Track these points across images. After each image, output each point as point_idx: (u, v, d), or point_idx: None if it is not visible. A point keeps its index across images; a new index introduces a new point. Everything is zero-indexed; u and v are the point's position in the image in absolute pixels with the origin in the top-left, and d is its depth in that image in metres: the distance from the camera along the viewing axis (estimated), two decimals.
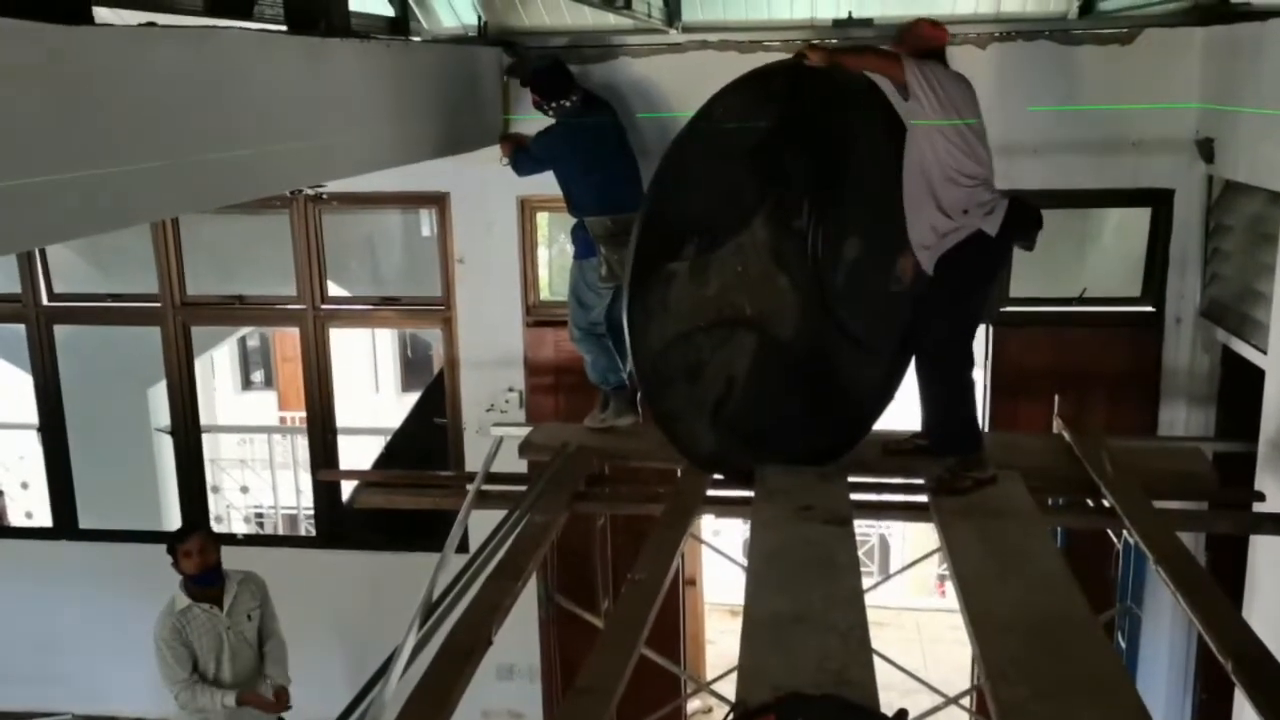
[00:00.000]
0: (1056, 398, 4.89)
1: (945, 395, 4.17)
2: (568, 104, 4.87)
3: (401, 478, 5.25)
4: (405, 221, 7.32)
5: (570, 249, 5.12)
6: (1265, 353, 4.54)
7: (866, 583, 5.16)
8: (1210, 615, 3.11)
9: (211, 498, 8.03)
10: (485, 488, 4.46)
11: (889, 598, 8.87)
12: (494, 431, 5.02)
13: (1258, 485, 4.48)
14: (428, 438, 6.64)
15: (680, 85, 5.45)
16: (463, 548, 4.58)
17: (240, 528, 10.70)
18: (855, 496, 4.27)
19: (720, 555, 5.65)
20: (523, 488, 4.38)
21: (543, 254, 6.24)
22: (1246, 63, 4.54)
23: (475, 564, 3.87)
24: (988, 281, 4.22)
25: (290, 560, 6.38)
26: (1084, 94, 5.11)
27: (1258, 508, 4.34)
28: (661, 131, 5.41)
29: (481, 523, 4.39)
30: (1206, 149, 5.07)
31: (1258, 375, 4.59)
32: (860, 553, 12.13)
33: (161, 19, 2.73)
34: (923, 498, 4.17)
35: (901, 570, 6.93)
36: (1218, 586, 3.32)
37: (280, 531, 10.46)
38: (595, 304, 4.96)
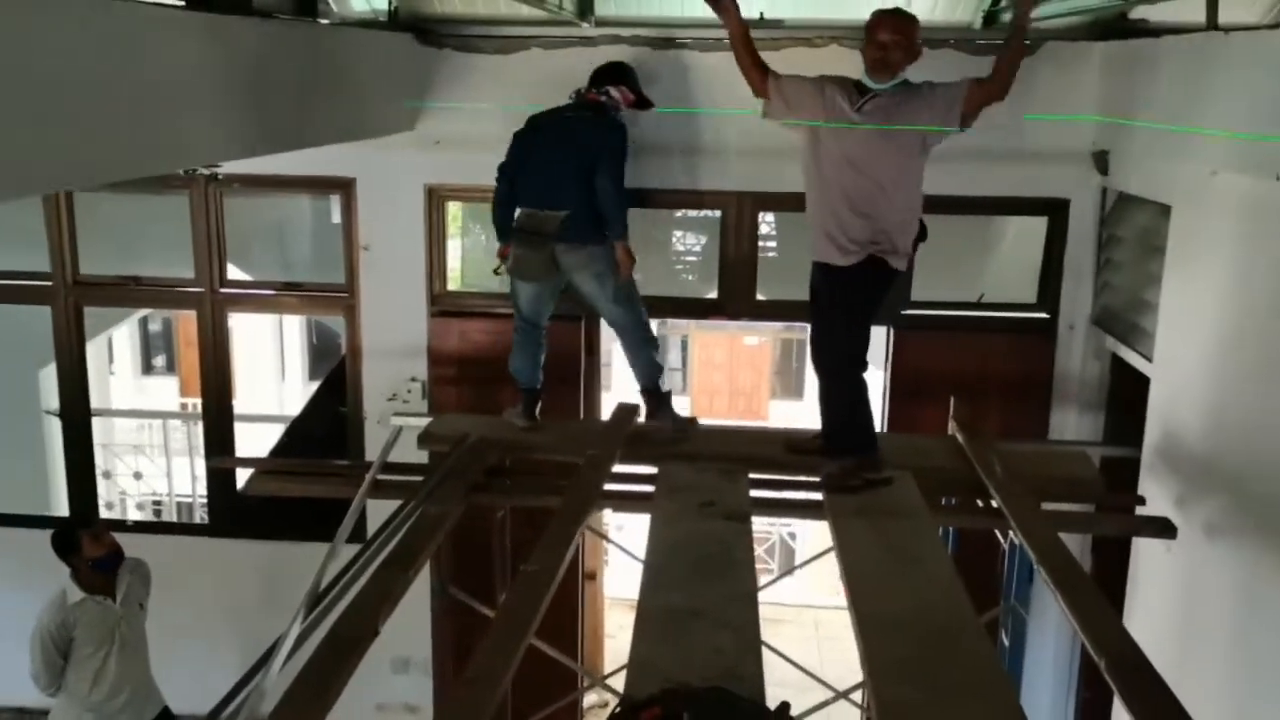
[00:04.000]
0: (953, 400, 4.99)
1: (844, 399, 4.22)
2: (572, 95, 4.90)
3: (297, 465, 5.16)
4: (316, 207, 7.19)
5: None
6: (1151, 361, 4.69)
7: (765, 579, 5.22)
8: (1087, 615, 3.20)
9: (103, 484, 7.81)
10: (382, 477, 4.40)
11: (790, 595, 8.99)
12: (394, 421, 4.96)
13: (1141, 489, 4.63)
14: (329, 426, 6.53)
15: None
16: (361, 538, 4.52)
17: (134, 515, 10.43)
18: (756, 493, 4.31)
19: (621, 550, 5.67)
20: (421, 478, 4.33)
21: (455, 244, 6.19)
22: (1141, 78, 4.68)
23: (367, 554, 3.82)
24: (886, 296, 4.27)
25: (182, 548, 6.25)
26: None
27: (1140, 511, 4.48)
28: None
29: (382, 513, 4.33)
30: (1102, 161, 5.23)
31: (1144, 383, 4.75)
32: (761, 550, 12.30)
33: None
34: (820, 496, 4.22)
35: (799, 567, 6.99)
36: (1096, 587, 3.41)
37: (176, 520, 10.20)
38: (517, 294, 4.86)
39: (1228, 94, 3.69)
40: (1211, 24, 3.97)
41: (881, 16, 3.99)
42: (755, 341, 20.76)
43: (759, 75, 4.13)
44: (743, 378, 20.94)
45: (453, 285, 5.98)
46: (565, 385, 5.84)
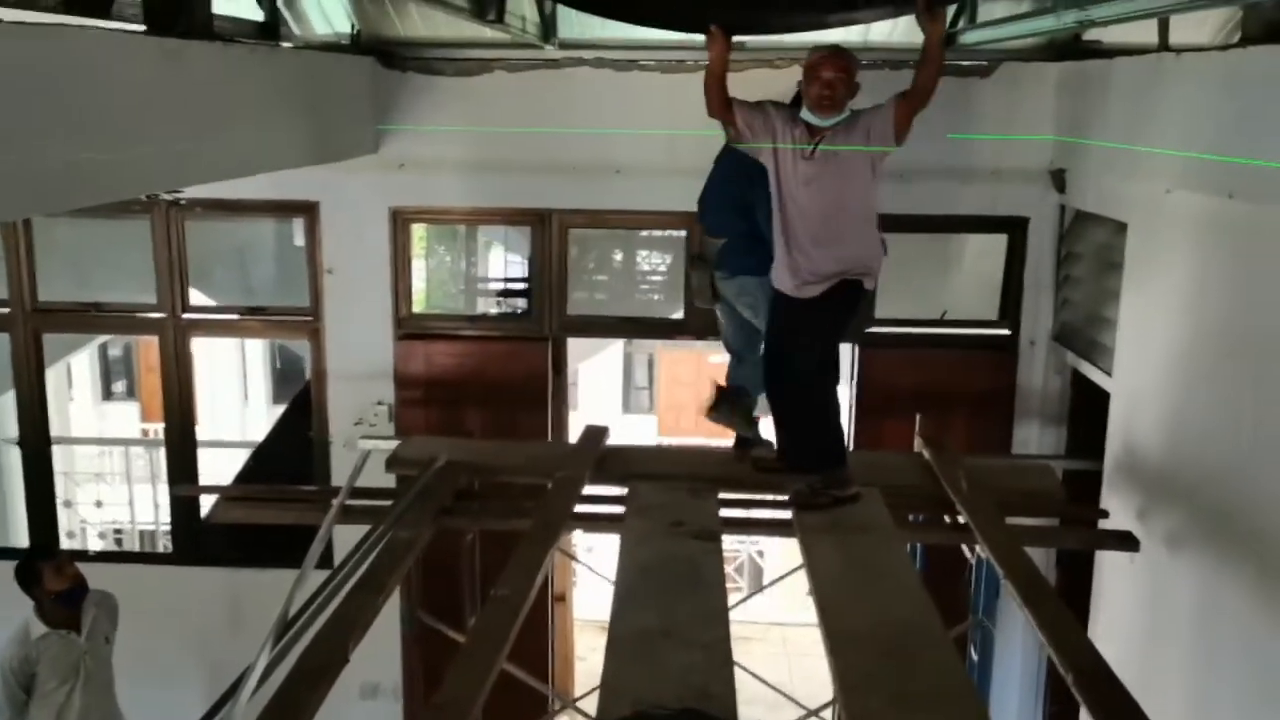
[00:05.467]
0: (918, 417, 5.02)
1: (813, 416, 4.22)
2: None
3: (262, 492, 5.12)
4: (279, 230, 7.16)
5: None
6: (1111, 376, 4.76)
7: (735, 598, 5.23)
8: (1054, 629, 3.23)
9: (64, 513, 7.70)
10: (350, 503, 4.37)
11: (759, 613, 8.99)
12: (361, 445, 4.93)
13: (1103, 503, 4.69)
14: (295, 451, 6.48)
15: (556, 101, 5.48)
16: (329, 564, 4.48)
17: (96, 544, 10.29)
18: (725, 512, 4.32)
19: (591, 572, 5.66)
20: (389, 503, 4.31)
21: (419, 266, 6.18)
22: (1096, 98, 4.76)
23: (336, 580, 3.78)
24: (855, 314, 4.30)
25: (145, 578, 6.14)
26: (946, 123, 5.24)
27: (1102, 524, 4.53)
28: (537, 146, 5.43)
29: (350, 539, 4.31)
30: (1059, 179, 5.31)
31: (1105, 397, 4.81)
32: (731, 568, 12.28)
33: (10, 15, 2.63)
34: (789, 514, 4.23)
35: (769, 585, 7.00)
36: (1062, 601, 3.44)
37: (139, 548, 10.07)
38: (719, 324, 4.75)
39: (1180, 113, 3.77)
40: (1163, 45, 4.06)
41: (824, 55, 3.93)
42: (722, 359, 20.84)
43: (726, 107, 4.09)
44: (709, 395, 20.98)
45: (418, 308, 5.98)
46: (533, 406, 5.85)
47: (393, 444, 4.90)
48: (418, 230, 6.03)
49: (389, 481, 4.80)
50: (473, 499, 4.57)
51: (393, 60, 5.50)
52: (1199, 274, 3.95)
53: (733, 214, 4.44)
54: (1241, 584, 3.54)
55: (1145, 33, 4.22)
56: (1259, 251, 3.51)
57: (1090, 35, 5.02)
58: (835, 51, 3.97)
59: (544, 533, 3.85)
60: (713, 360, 20.79)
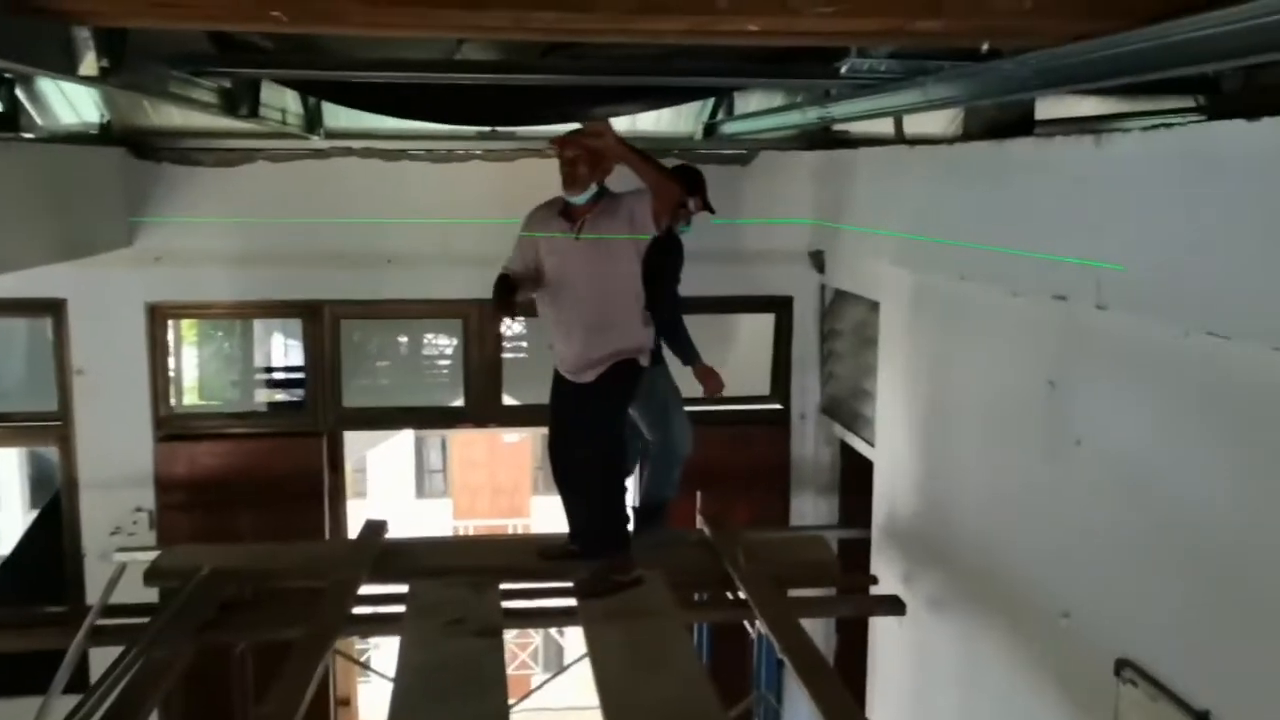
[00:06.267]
0: (699, 494, 5.11)
1: (596, 501, 4.23)
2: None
3: (3, 616, 4.70)
4: (32, 328, 6.69)
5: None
6: (873, 446, 4.99)
7: (533, 682, 5.13)
8: (827, 699, 3.32)
9: None
10: (103, 622, 4.06)
11: (556, 697, 8.83)
12: (116, 557, 4.62)
13: (872, 570, 4.87)
14: (46, 565, 5.98)
15: (324, 191, 5.39)
16: (82, 688, 4.14)
17: None
18: (509, 604, 4.24)
19: (375, 673, 5.45)
20: (148, 619, 4.03)
21: (192, 357, 5.90)
22: (845, 184, 5.05)
23: (85, 708, 3.49)
24: (635, 391, 4.34)
25: None
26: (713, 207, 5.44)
27: (873, 591, 4.70)
28: (305, 235, 5.31)
29: (108, 660, 3.99)
30: (818, 260, 5.59)
31: (870, 467, 5.03)
32: (525, 654, 12.02)
33: None
34: (574, 602, 4.20)
35: (556, 675, 6.86)
36: (835, 672, 3.55)
37: None
38: None
39: (915, 200, 4.04)
40: (899, 137, 4.35)
41: (564, 136, 4.02)
42: (515, 438, 20.70)
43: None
44: (503, 475, 20.78)
45: (190, 400, 5.70)
46: (309, 504, 5.63)
47: (152, 554, 4.61)
48: (183, 326, 5.77)
49: (153, 595, 4.51)
50: (245, 608, 4.33)
51: (146, 151, 5.29)
52: (940, 349, 4.21)
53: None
54: (996, 640, 3.74)
55: (886, 124, 4.52)
56: (987, 328, 3.77)
57: (840, 126, 5.34)
58: (575, 131, 4.05)
59: (315, 643, 3.68)
60: (506, 440, 20.69)
